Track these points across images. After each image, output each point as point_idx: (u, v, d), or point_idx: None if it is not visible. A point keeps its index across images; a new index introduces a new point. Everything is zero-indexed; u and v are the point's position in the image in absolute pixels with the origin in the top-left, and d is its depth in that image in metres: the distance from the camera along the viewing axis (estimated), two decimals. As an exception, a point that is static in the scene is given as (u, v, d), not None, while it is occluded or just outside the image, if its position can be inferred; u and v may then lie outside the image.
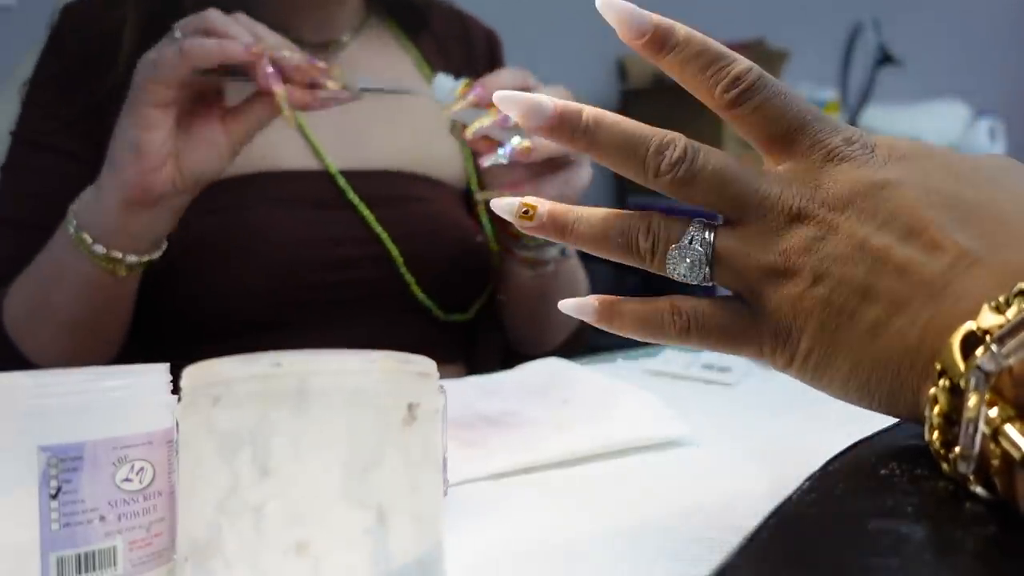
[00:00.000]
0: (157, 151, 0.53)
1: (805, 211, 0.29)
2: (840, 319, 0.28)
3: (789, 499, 0.25)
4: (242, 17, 0.53)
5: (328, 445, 0.23)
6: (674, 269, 0.31)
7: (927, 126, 2.54)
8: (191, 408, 0.25)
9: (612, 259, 0.32)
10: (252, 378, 0.24)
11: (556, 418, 0.48)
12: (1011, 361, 0.22)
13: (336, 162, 0.72)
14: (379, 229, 0.71)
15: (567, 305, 0.33)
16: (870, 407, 0.29)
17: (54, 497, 0.26)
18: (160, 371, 0.30)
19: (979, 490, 0.23)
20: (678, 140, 0.30)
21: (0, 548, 0.26)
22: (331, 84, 0.54)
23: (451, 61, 0.85)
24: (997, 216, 0.27)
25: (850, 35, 2.14)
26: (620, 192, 2.32)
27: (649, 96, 2.22)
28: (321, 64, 0.54)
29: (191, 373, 0.25)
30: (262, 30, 0.53)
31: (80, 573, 0.27)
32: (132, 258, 0.58)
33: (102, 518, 0.27)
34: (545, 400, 0.52)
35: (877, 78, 2.08)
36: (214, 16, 0.52)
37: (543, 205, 0.32)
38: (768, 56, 2.00)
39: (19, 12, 1.50)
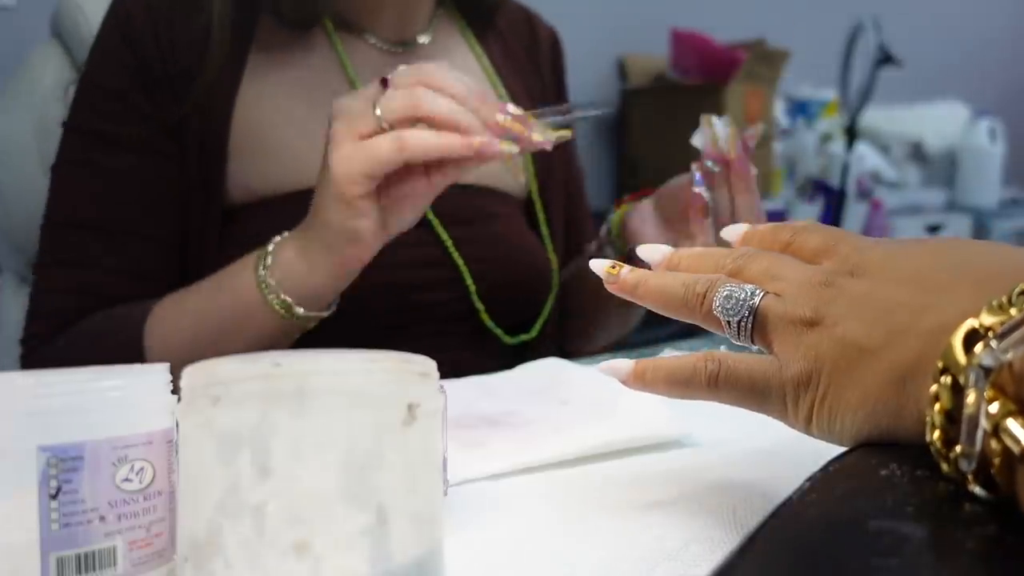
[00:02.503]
0: (374, 234, 0.54)
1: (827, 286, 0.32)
2: (851, 352, 0.29)
3: (789, 499, 0.25)
4: (457, 84, 0.52)
5: (328, 445, 0.23)
6: (720, 305, 0.33)
7: (927, 126, 2.54)
8: (191, 408, 0.25)
9: (671, 314, 0.36)
10: (252, 378, 0.24)
11: (556, 418, 0.48)
12: (1009, 356, 0.23)
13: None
14: (456, 255, 0.70)
15: (605, 367, 0.36)
16: (880, 435, 0.29)
17: (54, 497, 0.26)
18: (160, 371, 0.30)
19: (978, 490, 0.24)
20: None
21: (0, 548, 0.26)
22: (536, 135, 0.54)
23: (517, 64, 0.83)
24: (980, 268, 0.29)
25: (850, 35, 2.13)
26: (618, 189, 2.32)
27: (649, 95, 2.22)
28: (523, 115, 0.54)
29: (191, 373, 0.25)
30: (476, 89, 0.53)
31: (80, 573, 0.27)
32: (326, 312, 0.59)
33: (102, 518, 0.27)
34: (545, 400, 0.52)
35: (877, 78, 2.08)
36: (429, 100, 0.51)
37: (624, 268, 0.37)
38: (768, 56, 1.99)
39: (19, 12, 1.50)
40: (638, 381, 0.36)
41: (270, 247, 0.57)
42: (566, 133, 0.54)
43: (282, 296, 0.56)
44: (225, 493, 0.23)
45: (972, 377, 0.23)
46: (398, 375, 0.25)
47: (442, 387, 0.29)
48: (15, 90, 0.87)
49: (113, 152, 0.66)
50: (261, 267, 0.57)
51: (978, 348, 0.23)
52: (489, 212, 0.73)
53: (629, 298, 0.37)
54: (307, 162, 0.66)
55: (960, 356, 0.24)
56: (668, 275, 0.36)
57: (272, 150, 0.67)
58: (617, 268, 0.37)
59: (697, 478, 0.40)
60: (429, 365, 0.27)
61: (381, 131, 0.51)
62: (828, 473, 0.27)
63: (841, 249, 0.33)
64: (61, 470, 0.26)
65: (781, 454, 0.41)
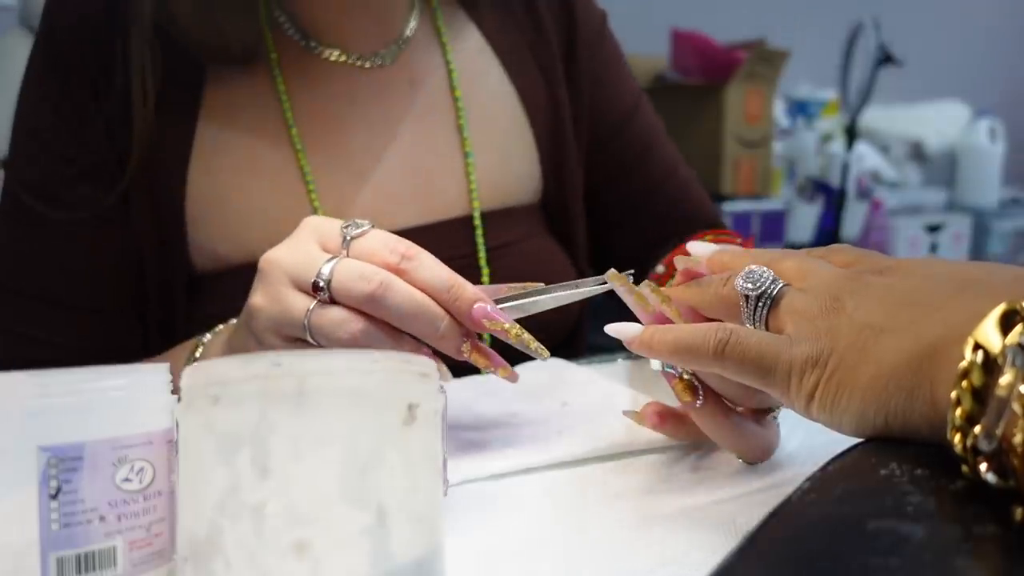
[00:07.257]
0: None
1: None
2: (868, 333, 0.30)
3: (789, 499, 0.25)
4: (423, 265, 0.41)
5: (328, 445, 0.23)
6: (743, 279, 0.34)
7: (927, 126, 2.54)
8: (191, 408, 0.25)
9: (691, 359, 0.35)
10: (252, 378, 0.24)
11: (556, 419, 0.48)
12: None
13: (413, 218, 0.64)
14: None
15: (612, 328, 0.36)
16: (886, 416, 0.29)
17: (54, 497, 0.26)
18: (160, 371, 0.30)
19: (990, 476, 0.23)
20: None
21: (0, 548, 0.26)
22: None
23: (518, 26, 0.72)
24: (1013, 271, 0.30)
25: (850, 35, 2.13)
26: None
27: (650, 95, 2.21)
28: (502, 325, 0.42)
29: (191, 373, 0.25)
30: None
31: (80, 573, 0.27)
32: None
33: (102, 518, 0.27)
34: (545, 401, 0.52)
35: (877, 78, 2.08)
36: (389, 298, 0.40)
37: (646, 330, 0.36)
38: (768, 56, 1.99)
39: (19, 12, 1.50)
40: (643, 347, 0.35)
41: (198, 353, 0.51)
42: (544, 352, 0.42)
43: None
44: (225, 493, 0.23)
45: (1010, 356, 0.23)
46: (398, 375, 0.25)
47: (442, 387, 0.29)
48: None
49: (52, 212, 0.59)
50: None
51: (1019, 328, 0.23)
52: (504, 239, 0.67)
53: (646, 355, 0.36)
54: (276, 223, 0.59)
55: (994, 335, 0.24)
56: (681, 326, 0.36)
57: (233, 213, 0.61)
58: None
59: (697, 480, 0.40)
60: (429, 365, 0.27)
61: (318, 294, 0.40)
62: (828, 473, 0.27)
63: (872, 257, 0.34)
64: (61, 470, 0.26)
65: (781, 456, 0.41)
